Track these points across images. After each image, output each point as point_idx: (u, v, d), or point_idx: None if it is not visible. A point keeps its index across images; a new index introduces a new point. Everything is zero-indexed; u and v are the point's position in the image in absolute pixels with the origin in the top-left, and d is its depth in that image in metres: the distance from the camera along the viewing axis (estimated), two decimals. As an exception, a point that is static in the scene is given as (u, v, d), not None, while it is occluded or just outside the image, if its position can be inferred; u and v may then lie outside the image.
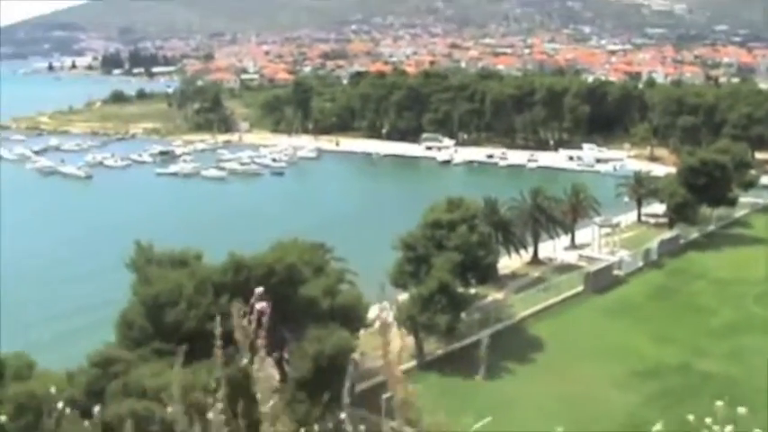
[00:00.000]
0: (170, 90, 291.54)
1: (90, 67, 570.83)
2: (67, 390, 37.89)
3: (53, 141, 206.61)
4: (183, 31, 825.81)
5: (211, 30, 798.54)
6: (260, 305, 6.78)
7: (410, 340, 61.81)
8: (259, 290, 6.98)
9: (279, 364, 27.62)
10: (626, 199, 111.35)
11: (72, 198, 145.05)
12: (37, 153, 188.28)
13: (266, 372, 6.90)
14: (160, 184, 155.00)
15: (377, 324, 8.24)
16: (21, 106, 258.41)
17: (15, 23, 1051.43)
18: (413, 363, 61.40)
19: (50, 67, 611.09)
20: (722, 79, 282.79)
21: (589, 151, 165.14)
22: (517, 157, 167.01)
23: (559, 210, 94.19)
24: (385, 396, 18.79)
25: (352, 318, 50.77)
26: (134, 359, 40.87)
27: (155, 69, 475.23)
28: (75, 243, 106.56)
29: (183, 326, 43.46)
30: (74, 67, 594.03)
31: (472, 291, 69.65)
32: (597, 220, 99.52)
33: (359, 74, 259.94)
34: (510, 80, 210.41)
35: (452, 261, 63.37)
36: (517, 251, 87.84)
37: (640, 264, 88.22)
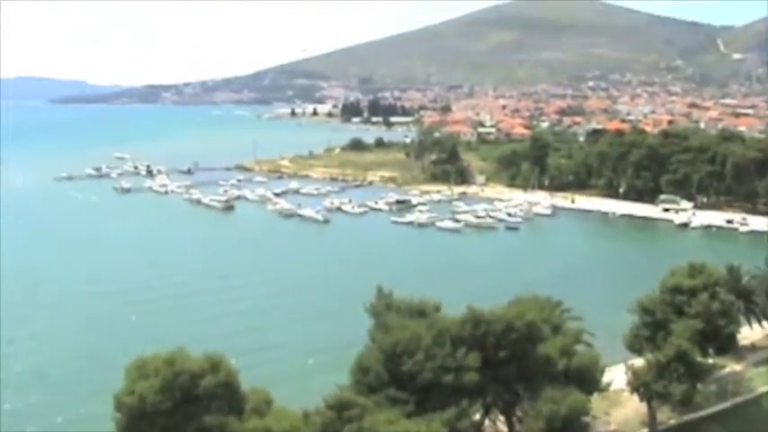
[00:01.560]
0: (407, 140, 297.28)
1: (330, 114, 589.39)
2: (302, 429, 39.84)
3: (293, 185, 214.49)
4: (421, 82, 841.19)
5: (449, 82, 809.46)
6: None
7: (643, 407, 59.89)
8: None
9: (510, 421, 27.94)
10: None
11: (310, 240, 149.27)
12: (277, 195, 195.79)
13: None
14: (395, 231, 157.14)
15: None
16: (263, 150, 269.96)
17: (261, 70, 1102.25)
18: (644, 431, 59.47)
19: (293, 113, 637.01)
20: None
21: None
22: (759, 223, 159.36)
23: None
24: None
25: (587, 380, 49.61)
26: (369, 405, 41.11)
27: (393, 119, 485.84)
28: (314, 283, 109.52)
29: (418, 376, 43.68)
30: (315, 113, 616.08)
31: (710, 361, 66.84)
32: None
33: (596, 131, 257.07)
34: (753, 142, 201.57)
35: (692, 328, 60.91)
36: (759, 322, 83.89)
37: None
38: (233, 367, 41.45)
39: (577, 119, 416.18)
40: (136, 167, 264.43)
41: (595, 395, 51.02)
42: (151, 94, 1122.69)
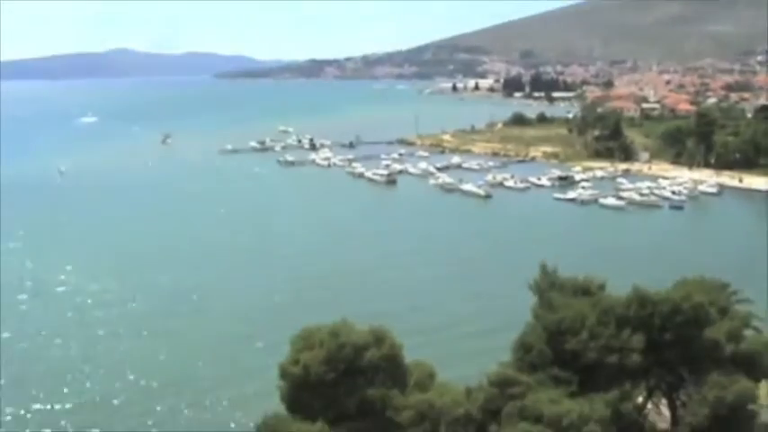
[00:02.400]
0: (569, 115, 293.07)
1: (491, 89, 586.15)
2: (465, 405, 39.33)
3: (455, 159, 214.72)
4: (583, 56, 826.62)
5: (612, 57, 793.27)
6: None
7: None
8: None
9: (673, 405, 26.98)
10: None
11: (471, 216, 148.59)
12: (439, 170, 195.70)
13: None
14: (558, 208, 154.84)
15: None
16: (425, 124, 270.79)
17: (422, 45, 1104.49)
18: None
19: (454, 88, 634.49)
20: None
21: None
22: None
23: None
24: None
25: (755, 366, 47.86)
26: (532, 383, 40.49)
27: (554, 94, 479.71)
28: (476, 261, 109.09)
29: (582, 355, 42.81)
30: (476, 88, 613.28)
31: None
32: None
33: (765, 108, 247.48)
34: None
35: None
36: None
37: None
38: (396, 341, 41.43)
39: (745, 95, 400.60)
40: (299, 141, 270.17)
41: (763, 382, 49.28)
42: (313, 68, 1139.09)
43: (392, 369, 40.90)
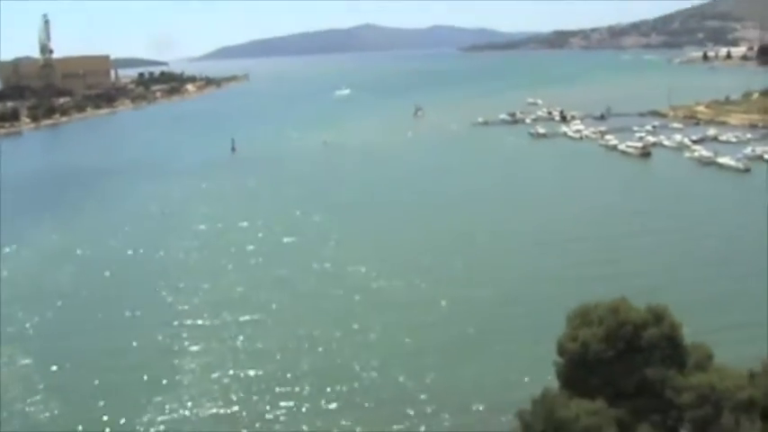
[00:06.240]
0: None
1: (745, 58, 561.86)
2: (748, 389, 38.10)
3: (710, 131, 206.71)
4: None
5: None
6: None
7: None
8: None
9: None
10: None
11: (729, 191, 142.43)
12: (694, 142, 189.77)
13: None
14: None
15: None
16: (677, 95, 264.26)
17: (670, 14, 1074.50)
18: None
19: (704, 57, 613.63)
20: None
21: None
22: None
23: None
24: None
25: None
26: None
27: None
28: (738, 240, 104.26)
29: None
30: (728, 57, 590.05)
31: None
32: None
33: None
34: None
35: None
36: None
37: None
38: (676, 320, 40.67)
39: None
40: (549, 113, 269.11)
41: None
42: (558, 39, 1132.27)
43: (671, 349, 40.20)
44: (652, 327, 39.82)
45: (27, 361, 71.27)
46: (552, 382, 41.71)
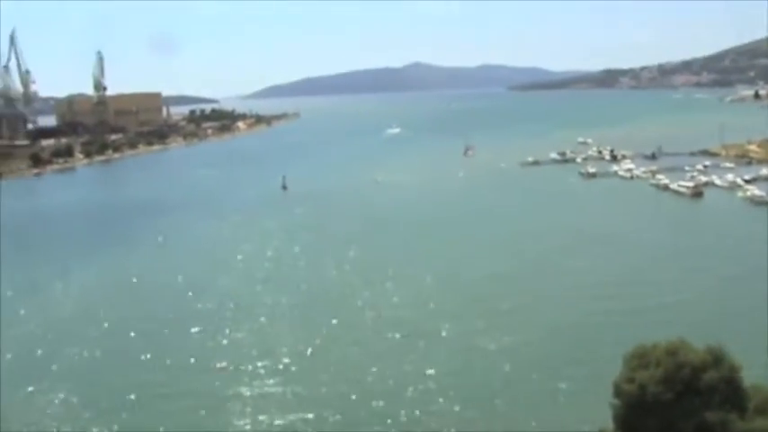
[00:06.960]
0: None
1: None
2: None
3: (763, 171, 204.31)
4: None
5: None
6: None
7: None
8: None
9: None
10: None
11: None
12: (747, 182, 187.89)
13: None
14: None
15: None
16: (728, 134, 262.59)
17: (720, 52, 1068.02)
18: None
19: (756, 96, 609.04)
20: None
21: None
22: None
23: None
24: None
25: None
26: None
27: None
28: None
29: None
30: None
31: None
32: None
33: None
34: None
35: None
36: None
37: None
38: (736, 362, 40.26)
39: None
40: (600, 152, 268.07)
41: None
42: (608, 78, 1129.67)
43: (731, 391, 39.51)
44: (711, 369, 39.34)
45: (75, 399, 72.16)
46: (608, 423, 41.66)
